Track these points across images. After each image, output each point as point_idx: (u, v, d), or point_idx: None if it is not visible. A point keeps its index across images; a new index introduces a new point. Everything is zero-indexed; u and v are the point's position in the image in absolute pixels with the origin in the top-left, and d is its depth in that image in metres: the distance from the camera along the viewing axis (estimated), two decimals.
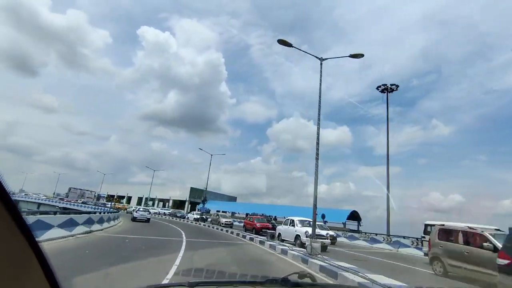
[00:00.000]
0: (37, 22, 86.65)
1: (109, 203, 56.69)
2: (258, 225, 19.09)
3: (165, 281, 4.56)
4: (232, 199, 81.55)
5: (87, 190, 73.50)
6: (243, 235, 16.41)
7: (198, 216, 31.96)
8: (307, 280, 1.41)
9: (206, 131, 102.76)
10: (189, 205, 67.43)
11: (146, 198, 58.35)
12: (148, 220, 22.15)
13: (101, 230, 13.18)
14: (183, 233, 15.64)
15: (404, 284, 5.05)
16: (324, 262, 7.42)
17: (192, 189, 69.79)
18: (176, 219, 34.95)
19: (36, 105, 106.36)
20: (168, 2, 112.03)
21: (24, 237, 0.58)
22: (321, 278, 6.24)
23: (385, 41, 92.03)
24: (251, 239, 14.46)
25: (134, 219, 21.85)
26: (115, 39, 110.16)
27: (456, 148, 79.34)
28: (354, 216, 39.81)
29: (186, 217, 37.08)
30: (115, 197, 75.90)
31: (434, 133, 78.43)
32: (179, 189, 70.63)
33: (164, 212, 45.84)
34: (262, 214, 25.79)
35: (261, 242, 12.95)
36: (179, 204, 69.20)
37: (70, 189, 70.61)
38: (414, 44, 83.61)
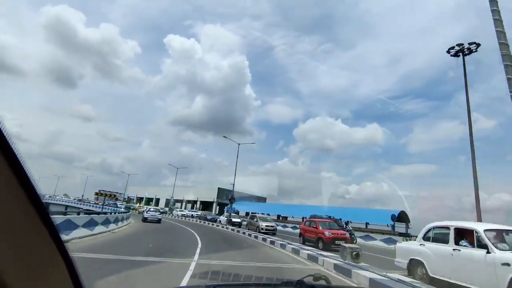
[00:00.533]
0: (75, 38, 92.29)
1: (120, 203, 54.00)
2: (327, 233, 12.14)
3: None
4: (261, 199, 76.02)
5: (117, 193, 72.62)
6: (293, 248, 10.17)
7: (235, 220, 24.87)
8: (322, 282, 1.40)
9: (232, 134, 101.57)
10: (217, 206, 63.35)
11: (172, 200, 55.01)
12: (159, 221, 21.25)
13: (68, 241, 8.09)
14: (199, 244, 10.09)
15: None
16: None
17: (219, 190, 65.32)
18: (204, 222, 29.28)
19: (76, 115, 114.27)
20: (192, 10, 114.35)
21: (51, 237, 0.59)
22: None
23: (416, 32, 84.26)
24: (313, 258, 8.32)
25: (144, 220, 21.09)
26: (144, 48, 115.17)
27: (500, 143, 68.09)
28: (401, 217, 32.34)
29: (218, 220, 30.89)
30: (142, 199, 74.50)
31: (474, 127, 68.11)
32: (207, 190, 66.70)
33: (192, 214, 41.06)
34: (330, 217, 17.25)
35: (344, 270, 6.57)
36: (207, 205, 65.31)
37: (100, 190, 70.02)
38: (448, 33, 74.81)
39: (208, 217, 32.88)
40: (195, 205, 67.71)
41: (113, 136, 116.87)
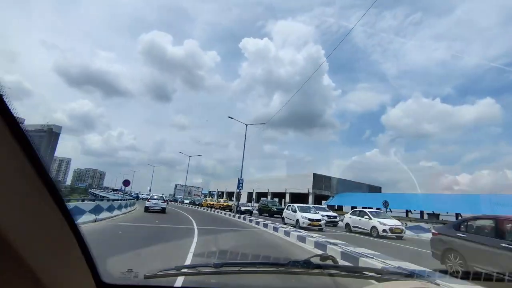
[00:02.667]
0: (165, 57, 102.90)
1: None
2: None
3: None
4: (375, 189, 54.27)
5: (193, 187, 64.39)
6: None
7: None
8: (329, 262, 1.40)
9: (313, 128, 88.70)
10: (314, 200, 45.32)
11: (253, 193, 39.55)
12: (163, 210, 18.43)
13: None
14: None
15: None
16: None
17: (316, 177, 47.12)
18: None
19: (173, 125, 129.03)
20: (263, 10, 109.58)
21: (64, 218, 0.66)
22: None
23: None
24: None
25: (146, 210, 18.17)
26: (222, 56, 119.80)
27: None
28: None
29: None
30: (223, 194, 64.19)
31: None
32: (299, 179, 49.43)
33: (322, 218, 14.70)
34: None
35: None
36: (299, 198, 48.22)
37: (176, 186, 62.71)
38: None
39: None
40: (283, 199, 51.98)
41: (205, 140, 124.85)
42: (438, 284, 1.18)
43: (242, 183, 20.35)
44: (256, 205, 34.10)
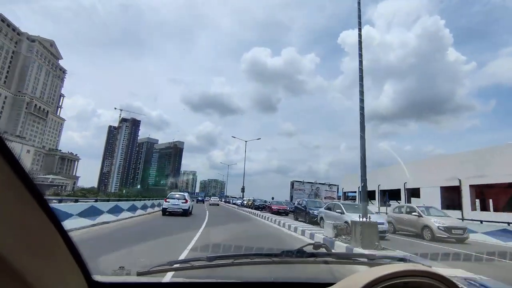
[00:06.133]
0: (267, 70, 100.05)
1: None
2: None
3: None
4: None
5: (324, 184, 37.28)
6: None
7: None
8: (322, 250, 1.38)
9: (441, 115, 55.71)
10: None
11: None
12: (185, 213, 14.85)
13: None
14: None
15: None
16: None
17: None
18: None
19: (281, 133, 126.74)
20: None
21: (50, 220, 0.65)
22: None
23: None
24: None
25: (164, 213, 15.01)
26: (321, 57, 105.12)
27: None
28: None
29: None
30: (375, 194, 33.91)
31: None
32: None
33: None
34: None
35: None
36: None
37: (293, 183, 37.38)
38: None
39: None
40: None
41: (313, 144, 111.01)
42: (430, 266, 1.15)
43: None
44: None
